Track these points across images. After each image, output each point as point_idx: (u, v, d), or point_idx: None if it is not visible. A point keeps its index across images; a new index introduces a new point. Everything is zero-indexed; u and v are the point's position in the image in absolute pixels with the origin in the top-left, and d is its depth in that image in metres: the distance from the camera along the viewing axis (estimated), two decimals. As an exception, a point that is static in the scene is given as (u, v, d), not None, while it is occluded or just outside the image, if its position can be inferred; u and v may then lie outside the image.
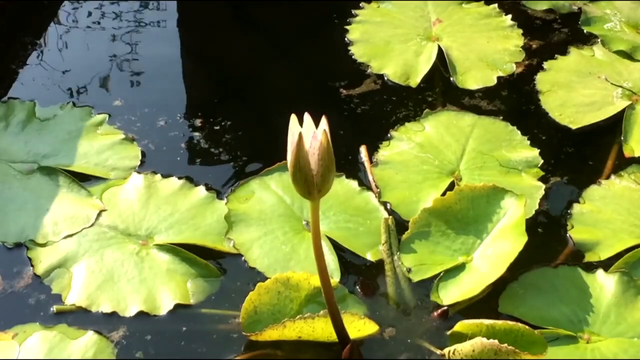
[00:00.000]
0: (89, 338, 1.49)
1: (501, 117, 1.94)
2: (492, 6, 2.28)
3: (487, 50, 2.16)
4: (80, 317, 1.54)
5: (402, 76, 2.07)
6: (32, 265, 1.62)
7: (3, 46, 2.16)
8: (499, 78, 2.09)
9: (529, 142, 1.87)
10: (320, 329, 1.46)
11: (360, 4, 2.27)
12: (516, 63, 2.13)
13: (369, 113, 1.98)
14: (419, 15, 2.25)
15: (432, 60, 2.10)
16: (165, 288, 1.58)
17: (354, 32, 2.19)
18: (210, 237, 1.67)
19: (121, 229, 1.68)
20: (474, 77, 2.08)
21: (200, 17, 2.34)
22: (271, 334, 1.46)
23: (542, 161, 1.83)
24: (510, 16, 2.25)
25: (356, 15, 2.24)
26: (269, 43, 2.24)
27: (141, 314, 1.55)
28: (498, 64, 2.12)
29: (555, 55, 2.12)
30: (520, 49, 2.17)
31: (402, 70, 2.08)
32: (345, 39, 2.17)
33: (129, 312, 1.55)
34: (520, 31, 2.21)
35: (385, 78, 2.07)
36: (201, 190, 1.74)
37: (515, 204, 1.64)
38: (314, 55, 2.20)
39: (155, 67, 2.15)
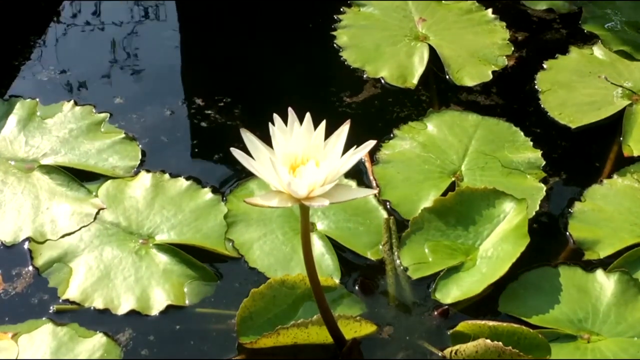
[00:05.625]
0: (98, 340, 1.49)
1: (505, 118, 1.93)
2: (471, 1, 2.28)
3: (476, 45, 2.16)
4: (81, 316, 1.54)
5: (399, 78, 2.06)
6: (31, 258, 1.62)
7: (4, 44, 2.15)
8: (493, 72, 2.09)
9: (532, 143, 1.87)
10: (315, 334, 1.45)
11: (342, 9, 2.26)
12: (507, 56, 2.13)
13: (370, 116, 1.98)
14: (402, 16, 2.24)
15: (426, 60, 2.10)
16: (160, 288, 1.58)
17: (342, 37, 2.18)
18: (211, 240, 1.67)
19: (123, 226, 1.68)
20: (469, 73, 2.08)
21: (201, 17, 2.33)
22: (266, 341, 1.45)
23: (544, 162, 1.83)
24: (491, 10, 2.25)
25: (340, 20, 2.23)
26: (269, 45, 2.23)
27: (134, 313, 1.54)
28: (490, 58, 2.12)
29: (556, 55, 2.12)
30: (508, 41, 2.17)
31: (398, 72, 2.07)
32: (334, 44, 2.16)
33: (121, 310, 1.55)
34: (504, 24, 2.22)
35: (383, 81, 2.06)
36: (207, 193, 1.74)
37: (516, 207, 1.64)
38: (307, 62, 2.19)
39: (155, 66, 2.15)
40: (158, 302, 1.56)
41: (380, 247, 1.67)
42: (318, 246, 1.65)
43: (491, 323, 1.45)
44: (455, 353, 1.45)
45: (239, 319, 1.50)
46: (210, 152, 1.89)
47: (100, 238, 1.66)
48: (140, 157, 1.83)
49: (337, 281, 1.60)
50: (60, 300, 1.57)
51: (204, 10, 2.33)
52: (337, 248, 1.67)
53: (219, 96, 2.01)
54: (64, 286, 1.58)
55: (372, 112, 1.99)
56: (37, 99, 1.93)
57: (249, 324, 1.50)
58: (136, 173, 1.79)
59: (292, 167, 1.28)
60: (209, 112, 1.97)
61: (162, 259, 1.63)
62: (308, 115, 1.29)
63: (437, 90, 2.05)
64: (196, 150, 1.91)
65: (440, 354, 1.50)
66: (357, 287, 1.61)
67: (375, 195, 1.74)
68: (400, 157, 1.84)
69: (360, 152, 1.27)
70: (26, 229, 1.66)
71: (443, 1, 2.28)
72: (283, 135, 1.28)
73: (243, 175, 1.78)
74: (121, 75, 2.10)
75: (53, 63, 2.11)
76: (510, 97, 2.04)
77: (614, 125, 1.95)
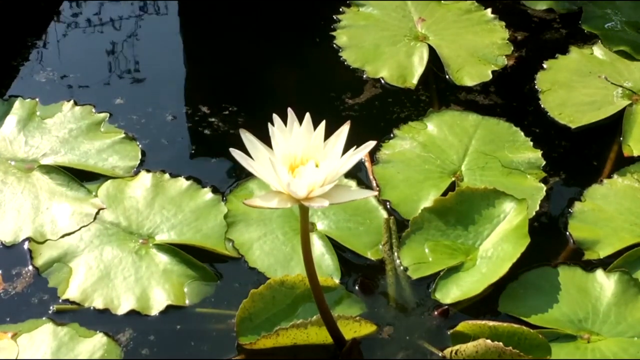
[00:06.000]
0: (98, 340, 1.49)
1: (505, 118, 1.93)
2: (470, 1, 2.28)
3: (476, 45, 2.16)
4: (81, 316, 1.54)
5: (399, 79, 2.06)
6: (31, 258, 1.62)
7: (4, 45, 2.15)
8: (493, 72, 2.09)
9: (532, 143, 1.87)
10: (314, 334, 1.45)
11: (341, 9, 2.26)
12: (506, 56, 2.13)
13: (370, 116, 1.98)
14: (401, 16, 2.23)
15: (425, 60, 2.09)
16: (160, 288, 1.58)
17: (341, 38, 2.17)
18: (211, 240, 1.67)
19: (123, 226, 1.68)
20: (469, 73, 2.08)
21: (202, 16, 2.33)
22: (265, 342, 1.45)
23: (544, 162, 1.83)
24: (490, 9, 2.25)
25: (339, 21, 2.22)
26: (268, 46, 2.23)
27: (134, 313, 1.54)
28: (489, 58, 2.12)
29: (556, 55, 2.12)
30: (507, 41, 2.17)
31: (398, 73, 2.07)
32: (334, 44, 2.16)
33: (121, 310, 1.55)
34: (503, 23, 2.21)
35: (383, 81, 2.06)
36: (207, 193, 1.74)
37: (516, 208, 1.64)
38: (306, 62, 2.18)
39: (156, 66, 2.15)
40: (158, 302, 1.56)
41: (380, 247, 1.67)
42: (318, 246, 1.65)
43: (491, 323, 1.45)
44: (456, 353, 1.45)
45: (238, 319, 1.50)
46: (210, 151, 1.89)
47: (100, 238, 1.66)
48: (140, 157, 1.83)
49: (337, 281, 1.60)
50: (60, 300, 1.57)
51: (205, 9, 2.33)
52: (337, 248, 1.67)
53: (218, 96, 2.01)
54: (64, 286, 1.58)
55: (372, 112, 1.99)
56: (37, 99, 1.92)
57: (248, 325, 1.50)
58: (136, 173, 1.79)
59: (291, 167, 1.27)
60: (209, 112, 1.97)
61: (162, 259, 1.63)
62: (307, 116, 1.29)
63: (437, 90, 2.05)
64: (196, 149, 1.90)
65: (440, 354, 1.50)
66: (357, 287, 1.61)
67: (375, 195, 1.74)
68: (400, 157, 1.84)
69: (360, 153, 1.26)
70: (26, 229, 1.66)
71: (442, 1, 2.28)
72: (282, 135, 1.28)
73: (243, 175, 1.78)
74: (121, 76, 2.10)
75: (53, 63, 2.11)
76: (510, 97, 2.04)
77: (614, 125, 1.95)
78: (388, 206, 1.74)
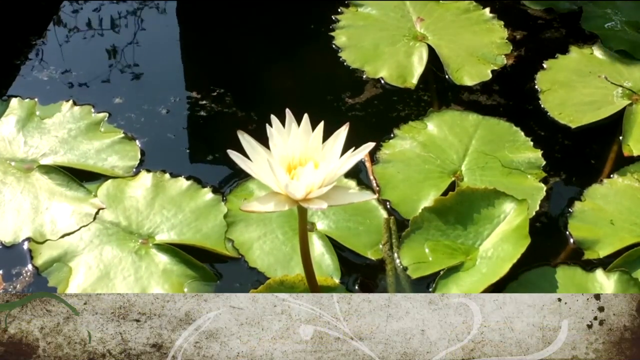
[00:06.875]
0: None
1: (505, 118, 1.93)
2: (468, 1, 2.28)
3: (475, 44, 2.16)
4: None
5: (399, 79, 2.06)
6: (31, 257, 1.62)
7: (4, 44, 2.15)
8: (492, 72, 2.09)
9: (532, 143, 1.87)
10: None
11: (339, 9, 2.26)
12: (506, 55, 2.13)
13: (370, 116, 1.98)
14: (400, 16, 2.23)
15: (425, 60, 2.09)
16: (160, 288, 1.58)
17: (340, 38, 2.17)
18: (211, 240, 1.67)
19: (123, 226, 1.68)
20: (468, 72, 2.08)
21: (200, 17, 2.33)
22: None
23: (544, 162, 1.83)
24: (488, 9, 2.25)
25: (338, 21, 2.22)
26: (267, 46, 2.23)
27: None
28: (488, 57, 2.12)
29: (556, 54, 2.12)
30: (507, 41, 2.17)
31: (398, 72, 2.07)
32: (333, 45, 2.16)
33: (122, 309, 1.55)
34: (502, 23, 2.21)
35: (382, 81, 2.06)
36: (207, 193, 1.74)
37: (517, 208, 1.64)
38: (306, 63, 2.18)
39: (155, 65, 2.15)
40: (158, 302, 1.56)
41: (380, 246, 1.67)
42: (318, 246, 1.65)
43: (491, 323, 1.46)
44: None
45: (238, 319, 1.50)
46: (210, 151, 1.89)
47: (100, 238, 1.66)
48: (139, 156, 1.83)
49: (337, 281, 1.60)
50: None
51: (203, 9, 2.33)
52: (337, 248, 1.67)
53: (218, 96, 2.01)
54: (63, 285, 1.58)
55: (372, 112, 1.99)
56: (36, 99, 1.93)
57: (248, 324, 1.50)
58: (135, 173, 1.79)
59: (289, 168, 1.27)
60: (208, 112, 1.97)
61: (162, 259, 1.63)
62: (306, 116, 1.28)
63: (437, 89, 2.05)
64: (196, 149, 1.90)
65: (440, 354, 1.50)
66: (357, 287, 1.61)
67: (375, 195, 1.74)
68: (401, 157, 1.84)
69: (359, 154, 1.26)
70: (26, 229, 1.67)
71: (441, 0, 2.28)
72: (281, 136, 1.28)
73: (243, 175, 1.78)
74: (121, 75, 2.10)
75: (52, 63, 2.11)
76: (510, 96, 2.04)
77: (614, 125, 1.95)
78: (388, 206, 1.74)
